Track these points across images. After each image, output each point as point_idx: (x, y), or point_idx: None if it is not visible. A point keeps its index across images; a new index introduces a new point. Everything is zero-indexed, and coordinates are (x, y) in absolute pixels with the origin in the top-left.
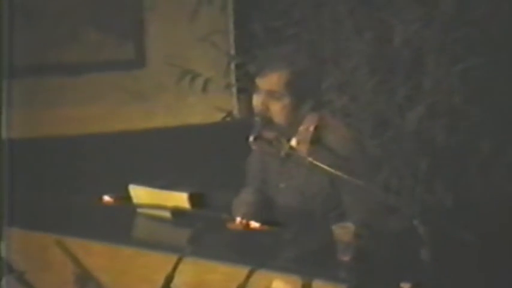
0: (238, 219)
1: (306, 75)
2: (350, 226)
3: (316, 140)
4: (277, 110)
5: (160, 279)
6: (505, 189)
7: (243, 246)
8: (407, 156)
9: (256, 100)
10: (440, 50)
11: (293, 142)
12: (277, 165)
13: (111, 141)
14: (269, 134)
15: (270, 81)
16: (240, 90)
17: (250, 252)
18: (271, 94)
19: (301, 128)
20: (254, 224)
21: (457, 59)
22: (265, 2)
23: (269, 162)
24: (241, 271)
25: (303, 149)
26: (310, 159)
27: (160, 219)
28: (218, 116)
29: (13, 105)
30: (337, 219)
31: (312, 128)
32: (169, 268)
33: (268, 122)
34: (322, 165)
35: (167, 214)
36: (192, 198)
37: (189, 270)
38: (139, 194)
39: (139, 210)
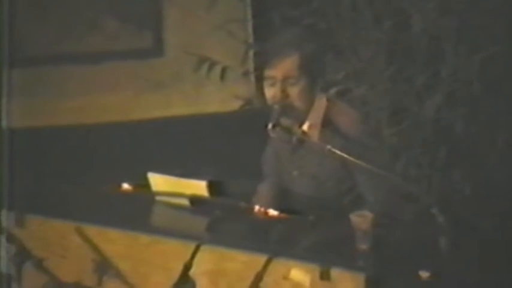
0: (257, 207)
1: (314, 56)
2: (368, 214)
3: (327, 123)
4: (296, 94)
5: (179, 267)
6: None
7: (261, 234)
8: (425, 145)
9: (272, 90)
10: (459, 38)
11: (305, 126)
12: (289, 154)
13: (129, 130)
14: (288, 121)
15: (283, 68)
16: (258, 79)
17: (269, 240)
18: (287, 80)
19: (312, 112)
20: (272, 212)
21: (475, 47)
22: None
23: (281, 152)
24: (260, 259)
25: (315, 133)
26: (329, 147)
27: (179, 207)
28: (236, 104)
29: (23, 95)
30: (352, 204)
31: (322, 111)
32: (187, 256)
33: (288, 108)
34: (339, 152)
35: (186, 202)
36: (210, 186)
37: (207, 258)
38: (158, 182)
39: (157, 198)
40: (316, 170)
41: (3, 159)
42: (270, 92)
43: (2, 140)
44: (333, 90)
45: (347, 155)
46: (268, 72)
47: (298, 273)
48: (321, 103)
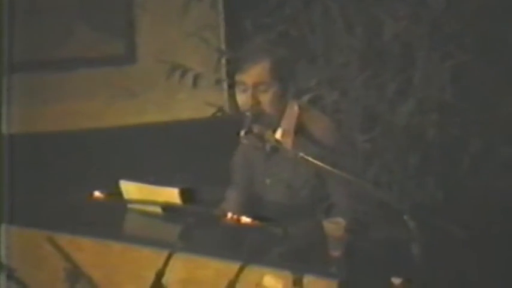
0: (229, 214)
1: (285, 62)
2: (341, 221)
3: (299, 131)
4: (268, 101)
5: (151, 275)
6: (495, 185)
7: (234, 242)
8: (397, 151)
9: (244, 96)
10: (431, 45)
11: (278, 134)
12: (262, 161)
13: (101, 137)
14: (260, 128)
15: (254, 74)
16: (230, 86)
17: (241, 247)
18: (258, 86)
19: (284, 118)
20: (245, 219)
21: (447, 54)
22: None
23: (254, 160)
24: (232, 267)
25: (288, 141)
26: (301, 154)
27: (151, 215)
28: (208, 112)
29: (12, 101)
30: (325, 212)
31: (294, 118)
32: (160, 264)
33: (260, 115)
34: (312, 160)
35: (158, 210)
36: (182, 194)
37: (180, 265)
38: (130, 189)
39: (130, 205)
40: (290, 177)
41: None
42: (242, 99)
43: None
44: (305, 97)
45: (320, 162)
46: (239, 78)
47: (271, 280)
48: (292, 110)
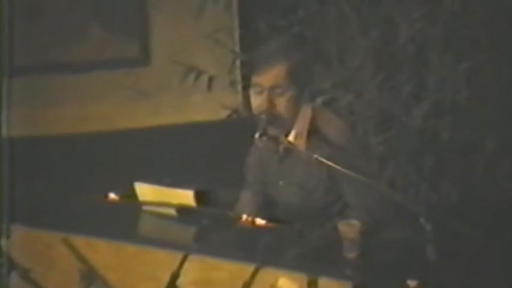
0: (244, 216)
1: (301, 66)
2: (356, 223)
3: (313, 133)
4: (283, 104)
5: (166, 277)
6: (510, 186)
7: (248, 243)
8: (412, 154)
9: (259, 98)
10: (445, 47)
11: (291, 136)
12: (275, 163)
13: (116, 139)
14: (274, 131)
15: (271, 76)
16: (245, 88)
17: (256, 249)
18: (274, 89)
19: (298, 121)
20: (260, 221)
21: (462, 56)
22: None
23: (267, 162)
24: (247, 269)
25: (301, 143)
26: (316, 156)
27: (166, 217)
28: (223, 114)
29: (13, 104)
30: (339, 214)
31: (307, 121)
32: (175, 266)
33: (274, 118)
34: (326, 161)
35: (172, 212)
36: (197, 196)
37: (195, 267)
38: (145, 191)
39: (144, 207)
40: (303, 179)
41: None
42: (257, 101)
43: None
44: (319, 100)
45: (334, 164)
46: (256, 80)
47: (286, 282)
48: (306, 112)
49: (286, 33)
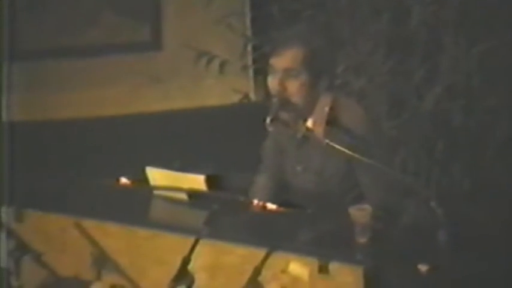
0: (255, 201)
1: (321, 53)
2: (367, 208)
3: (331, 121)
4: (295, 89)
5: (177, 261)
6: None
7: (260, 228)
8: (424, 138)
9: (273, 81)
10: (458, 31)
11: (309, 123)
12: (293, 148)
13: (127, 124)
14: (286, 116)
15: (286, 59)
16: (256, 72)
17: (267, 234)
18: (288, 72)
19: (317, 108)
20: (271, 206)
21: (475, 40)
22: None
23: (285, 146)
24: (258, 253)
25: (319, 130)
26: (327, 141)
27: (177, 201)
28: (235, 98)
29: (23, 88)
30: (355, 201)
31: (327, 108)
32: (186, 250)
33: (285, 102)
34: (339, 147)
35: (184, 196)
36: (208, 180)
37: (206, 252)
38: (156, 176)
39: (156, 192)
40: (321, 165)
41: (3, 154)
42: (270, 83)
43: (1, 134)
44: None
45: (347, 150)
46: (271, 61)
47: (297, 266)
48: (325, 101)
49: (296, 18)
